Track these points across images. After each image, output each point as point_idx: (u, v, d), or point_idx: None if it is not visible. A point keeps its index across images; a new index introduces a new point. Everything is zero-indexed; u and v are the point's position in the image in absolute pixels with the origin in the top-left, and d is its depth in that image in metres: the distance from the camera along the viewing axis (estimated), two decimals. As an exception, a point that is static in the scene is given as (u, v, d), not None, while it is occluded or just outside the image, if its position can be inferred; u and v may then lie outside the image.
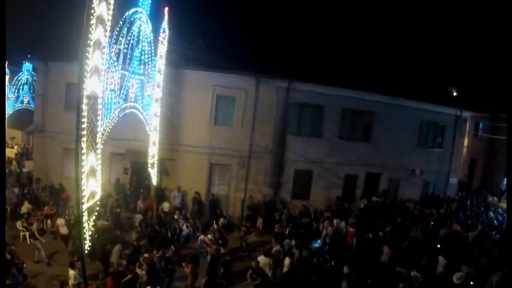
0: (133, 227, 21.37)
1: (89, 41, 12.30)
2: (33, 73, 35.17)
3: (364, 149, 29.08)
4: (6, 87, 33.90)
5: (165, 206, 24.78)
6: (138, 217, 22.56)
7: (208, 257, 18.59)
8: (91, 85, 12.88)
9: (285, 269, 17.93)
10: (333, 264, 18.01)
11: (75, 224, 16.31)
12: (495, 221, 27.26)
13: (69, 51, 17.32)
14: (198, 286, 16.76)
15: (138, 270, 16.15)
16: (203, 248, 20.32)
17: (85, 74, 12.46)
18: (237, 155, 26.84)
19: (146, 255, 17.42)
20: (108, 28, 13.56)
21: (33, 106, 31.62)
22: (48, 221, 22.38)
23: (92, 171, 13.94)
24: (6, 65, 30.13)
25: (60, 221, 20.79)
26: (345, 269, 16.82)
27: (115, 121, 16.18)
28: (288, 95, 26.87)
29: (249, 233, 22.80)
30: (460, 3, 39.28)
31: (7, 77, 33.18)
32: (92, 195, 14.14)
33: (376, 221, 24.07)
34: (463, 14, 39.31)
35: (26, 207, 22.60)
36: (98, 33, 12.76)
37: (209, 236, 20.44)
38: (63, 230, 20.47)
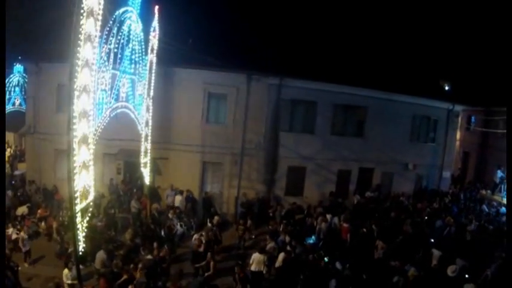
0: (128, 227, 21.34)
1: (79, 41, 12.28)
2: (24, 75, 34.94)
3: (357, 144, 29.10)
4: (5, 87, 33.86)
5: (178, 199, 25.17)
6: (154, 206, 23.51)
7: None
8: (82, 78, 12.82)
9: (277, 264, 17.96)
10: (326, 260, 18.01)
11: (69, 226, 16.19)
12: (485, 213, 27.39)
13: (61, 52, 17.26)
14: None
15: (132, 271, 16.07)
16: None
17: (76, 68, 12.40)
18: (229, 153, 26.91)
19: (150, 256, 17.36)
20: (98, 28, 13.53)
21: (24, 108, 31.50)
22: (42, 223, 22.27)
23: (85, 172, 13.93)
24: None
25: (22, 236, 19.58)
26: (337, 265, 16.87)
27: (106, 121, 16.15)
28: (280, 91, 26.93)
29: (247, 231, 22.80)
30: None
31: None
32: (85, 196, 14.12)
33: (370, 215, 24.12)
34: (454, 8, 39.39)
35: (22, 210, 22.53)
36: (88, 25, 12.73)
37: (203, 234, 20.35)
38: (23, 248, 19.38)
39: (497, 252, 18.83)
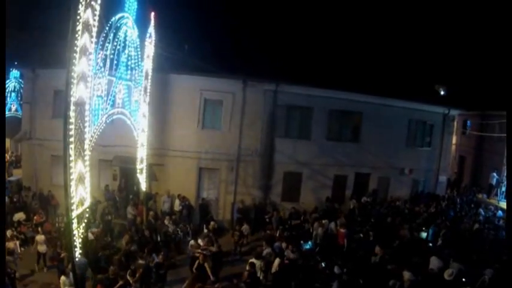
0: (124, 233, 21.26)
1: (75, 47, 12.32)
2: (20, 80, 35.06)
3: (352, 149, 29.09)
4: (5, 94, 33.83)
5: (176, 204, 25.46)
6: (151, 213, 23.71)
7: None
8: (78, 91, 12.86)
9: (273, 270, 17.89)
10: (323, 265, 17.98)
11: (65, 231, 16.12)
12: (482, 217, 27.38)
13: (57, 58, 17.30)
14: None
15: (129, 277, 15.99)
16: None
17: (72, 80, 12.44)
18: (225, 159, 26.89)
19: (141, 261, 17.27)
20: (94, 34, 13.56)
21: (21, 114, 31.52)
22: (39, 229, 22.16)
23: (81, 178, 13.92)
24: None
25: (39, 238, 19.20)
26: (336, 270, 16.83)
27: (102, 127, 16.16)
28: (276, 97, 26.98)
29: (243, 237, 22.76)
30: (446, 2, 39.51)
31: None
32: (81, 202, 14.11)
33: (367, 220, 24.10)
34: (449, 13, 39.53)
35: (19, 216, 22.45)
36: (84, 40, 12.77)
37: (200, 240, 20.28)
38: (42, 248, 19.05)
39: (495, 255, 18.85)
